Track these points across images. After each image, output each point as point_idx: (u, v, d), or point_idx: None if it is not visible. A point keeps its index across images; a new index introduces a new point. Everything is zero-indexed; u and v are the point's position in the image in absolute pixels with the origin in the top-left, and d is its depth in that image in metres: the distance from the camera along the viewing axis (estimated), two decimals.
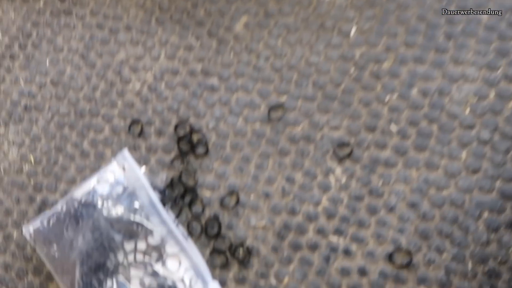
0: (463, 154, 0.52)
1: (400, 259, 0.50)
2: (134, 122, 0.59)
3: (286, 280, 0.52)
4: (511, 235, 0.48)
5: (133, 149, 0.59)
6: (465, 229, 0.50)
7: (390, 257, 0.51)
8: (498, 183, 0.50)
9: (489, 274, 0.48)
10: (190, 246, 0.53)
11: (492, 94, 0.52)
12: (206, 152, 0.57)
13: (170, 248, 0.52)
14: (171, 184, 0.56)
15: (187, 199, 0.56)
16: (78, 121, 0.61)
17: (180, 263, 0.52)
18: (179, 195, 0.55)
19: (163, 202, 0.54)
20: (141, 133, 0.59)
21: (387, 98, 0.54)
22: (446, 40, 0.54)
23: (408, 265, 0.50)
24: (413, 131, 0.53)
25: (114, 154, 0.59)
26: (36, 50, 0.64)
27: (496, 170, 0.51)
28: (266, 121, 0.57)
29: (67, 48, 0.63)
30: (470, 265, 0.49)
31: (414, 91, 0.54)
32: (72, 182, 0.59)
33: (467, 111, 0.52)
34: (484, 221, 0.49)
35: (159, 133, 0.59)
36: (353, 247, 0.52)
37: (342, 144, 0.54)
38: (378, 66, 0.55)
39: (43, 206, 0.59)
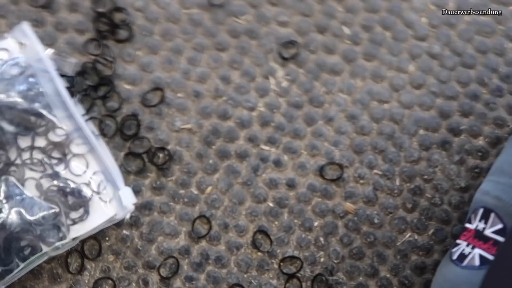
0: (411, 67, 0.50)
1: (331, 173, 0.49)
2: None
3: (208, 190, 0.48)
4: (441, 154, 0.49)
5: (36, 23, 0.49)
6: (399, 146, 0.49)
7: (321, 170, 0.49)
8: (438, 101, 0.50)
9: (414, 191, 0.48)
10: (101, 146, 0.46)
11: (451, 3, 0.51)
12: (130, 37, 0.49)
13: (76, 147, 0.45)
14: (82, 72, 0.48)
15: (102, 91, 0.48)
16: None
17: (87, 166, 0.45)
18: (92, 86, 0.48)
19: (71, 93, 0.46)
20: (48, 5, 0.49)
21: None
22: None
23: (338, 179, 0.49)
24: (365, 37, 0.50)
25: (10, 27, 0.48)
26: None
27: (439, 87, 0.50)
28: (205, 7, 0.50)
29: None
30: (397, 182, 0.49)
31: None
32: None
33: (423, 20, 0.51)
34: (419, 138, 0.49)
35: (72, 6, 0.49)
36: (285, 158, 0.49)
37: (288, 44, 0.50)
38: None
39: None
